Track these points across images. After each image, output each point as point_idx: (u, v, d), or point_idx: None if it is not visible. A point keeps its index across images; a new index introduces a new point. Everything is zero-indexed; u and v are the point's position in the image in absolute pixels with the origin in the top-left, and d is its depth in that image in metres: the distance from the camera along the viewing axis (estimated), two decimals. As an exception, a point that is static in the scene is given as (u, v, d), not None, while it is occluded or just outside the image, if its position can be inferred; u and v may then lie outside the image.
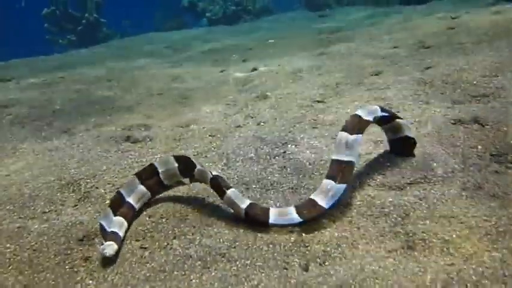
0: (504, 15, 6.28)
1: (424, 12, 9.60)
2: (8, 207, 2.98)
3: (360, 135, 2.49)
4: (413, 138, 2.83)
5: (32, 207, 2.95)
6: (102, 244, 2.33)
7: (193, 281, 2.10)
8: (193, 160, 2.64)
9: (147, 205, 2.74)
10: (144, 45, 12.59)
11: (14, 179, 3.35)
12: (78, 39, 17.56)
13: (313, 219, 2.37)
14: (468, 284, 1.82)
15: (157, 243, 2.40)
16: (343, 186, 2.40)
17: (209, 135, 3.80)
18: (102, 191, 3.04)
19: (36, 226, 2.71)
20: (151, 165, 2.76)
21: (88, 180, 3.19)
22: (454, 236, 2.11)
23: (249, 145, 3.37)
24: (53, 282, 2.22)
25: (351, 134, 2.46)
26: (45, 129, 4.60)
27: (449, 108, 3.42)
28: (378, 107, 2.61)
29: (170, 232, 2.47)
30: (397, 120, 2.76)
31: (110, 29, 18.91)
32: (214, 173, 2.56)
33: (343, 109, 3.80)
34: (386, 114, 2.65)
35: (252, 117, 4.12)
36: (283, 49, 7.78)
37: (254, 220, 2.43)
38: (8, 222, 2.80)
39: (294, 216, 2.37)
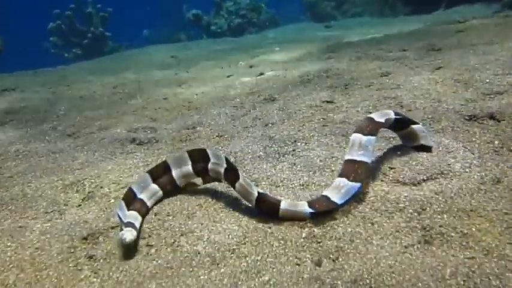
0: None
1: (431, 20, 9.60)
2: (10, 207, 2.90)
3: (373, 136, 2.48)
4: (430, 147, 2.76)
5: (35, 208, 2.87)
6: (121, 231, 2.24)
7: (202, 277, 2.00)
8: (208, 152, 2.61)
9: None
10: (147, 56, 12.61)
11: (16, 180, 3.28)
12: (83, 52, 17.63)
13: (324, 213, 2.29)
14: (491, 277, 1.73)
15: (163, 241, 2.31)
16: (358, 184, 2.35)
17: (216, 136, 3.72)
18: (107, 190, 2.96)
19: (38, 225, 2.62)
20: (164, 162, 2.71)
21: (92, 180, 3.11)
22: (473, 229, 2.01)
23: (258, 144, 3.29)
24: (56, 280, 2.13)
25: (364, 134, 2.45)
26: (49, 133, 4.53)
27: (463, 106, 3.33)
28: (392, 111, 2.61)
29: (177, 230, 2.37)
30: (413, 126, 2.71)
31: (116, 43, 19.02)
32: (227, 164, 2.52)
33: (353, 108, 3.71)
34: (400, 117, 2.63)
35: (260, 119, 4.04)
36: (290, 56, 7.73)
37: (265, 207, 2.36)
38: (10, 222, 2.72)
39: (305, 207, 2.29)
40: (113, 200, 2.82)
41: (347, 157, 2.45)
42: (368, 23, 13.21)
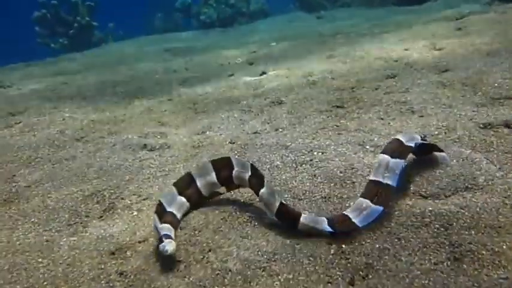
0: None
1: (423, 13, 9.64)
2: (32, 219, 2.93)
3: (402, 160, 2.48)
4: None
5: (57, 220, 2.90)
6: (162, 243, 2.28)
7: (235, 296, 2.06)
8: (232, 160, 2.67)
9: (178, 217, 2.70)
10: (141, 48, 12.54)
11: (35, 191, 3.30)
12: (70, 43, 17.38)
13: (343, 233, 2.32)
14: (528, 299, 1.77)
15: (192, 257, 2.36)
16: (380, 208, 2.35)
17: (229, 143, 3.76)
18: (128, 201, 3.00)
19: (64, 239, 2.66)
20: (188, 174, 2.78)
21: (112, 191, 3.15)
22: (504, 247, 2.04)
23: (274, 153, 3.34)
24: (91, 298, 2.19)
25: (392, 157, 2.46)
26: (58, 138, 4.52)
27: (475, 112, 3.40)
28: (419, 136, 2.64)
29: (205, 245, 2.42)
30: (435, 154, 2.76)
31: (103, 33, 18.80)
32: (252, 171, 2.58)
33: (364, 114, 3.77)
34: (426, 142, 2.66)
35: (269, 123, 4.09)
36: (289, 52, 7.76)
37: (285, 218, 2.41)
38: (34, 235, 2.76)
39: (324, 225, 2.33)
40: (135, 213, 2.87)
41: (372, 178, 2.46)
42: (360, 14, 13.19)
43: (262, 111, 4.43)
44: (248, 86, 5.60)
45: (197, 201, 2.77)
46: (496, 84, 3.84)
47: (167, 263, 2.33)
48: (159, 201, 2.65)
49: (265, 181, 2.50)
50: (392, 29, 8.00)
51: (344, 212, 2.40)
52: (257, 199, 2.69)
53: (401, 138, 2.57)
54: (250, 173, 2.60)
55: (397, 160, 2.46)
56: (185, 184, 2.75)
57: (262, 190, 2.49)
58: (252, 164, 2.61)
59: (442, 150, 2.79)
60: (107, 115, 5.16)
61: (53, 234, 2.75)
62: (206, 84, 6.16)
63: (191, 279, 2.21)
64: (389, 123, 3.48)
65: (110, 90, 6.63)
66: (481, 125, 3.16)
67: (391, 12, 12.22)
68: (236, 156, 3.16)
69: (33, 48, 17.95)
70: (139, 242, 2.55)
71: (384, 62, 5.44)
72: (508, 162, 2.72)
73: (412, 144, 2.54)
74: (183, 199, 2.71)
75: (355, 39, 7.72)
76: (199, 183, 2.76)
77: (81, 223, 2.86)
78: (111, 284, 2.26)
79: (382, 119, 3.59)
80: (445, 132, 3.16)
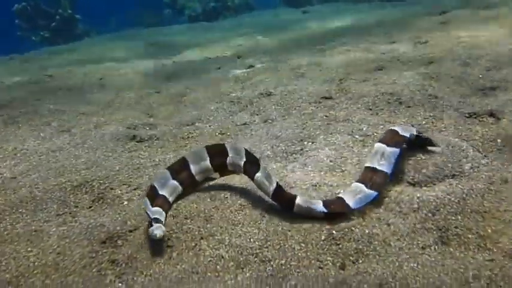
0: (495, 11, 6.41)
1: (407, 7, 9.73)
2: (20, 210, 2.89)
3: (398, 149, 2.55)
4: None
5: (46, 210, 2.87)
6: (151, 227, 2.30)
7: (229, 282, 2.06)
8: (226, 147, 2.70)
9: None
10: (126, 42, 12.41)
11: (22, 181, 3.26)
12: (52, 35, 17.14)
13: (337, 214, 2.36)
14: (515, 280, 1.80)
15: (184, 244, 2.36)
16: (374, 193, 2.42)
17: (219, 133, 3.76)
18: (119, 192, 2.98)
19: (54, 229, 2.64)
20: (183, 158, 2.79)
21: (101, 181, 3.12)
22: (489, 231, 2.10)
23: (264, 143, 3.34)
24: (82, 286, 2.17)
25: (388, 146, 2.54)
26: (44, 129, 4.47)
27: (461, 102, 3.45)
28: (415, 128, 2.71)
29: (197, 233, 2.42)
30: (429, 148, 2.80)
31: (87, 25, 18.60)
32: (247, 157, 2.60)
33: (353, 104, 3.80)
34: (421, 135, 2.73)
35: (258, 115, 4.09)
36: (276, 45, 7.76)
37: (281, 200, 2.46)
38: (23, 225, 2.73)
39: (320, 206, 2.37)
40: (126, 202, 2.85)
41: (367, 164, 2.52)
42: (345, 9, 13.26)
43: (252, 103, 4.42)
44: (236, 78, 5.59)
45: (190, 186, 2.78)
46: (480, 76, 3.91)
47: (159, 250, 2.32)
48: (151, 184, 2.66)
49: (261, 165, 2.53)
50: (379, 24, 8.07)
51: (339, 195, 2.46)
52: (249, 187, 2.70)
53: (397, 129, 2.63)
54: (245, 159, 2.62)
55: (394, 149, 2.53)
56: (179, 168, 2.75)
57: (257, 174, 2.51)
58: (246, 150, 2.63)
59: (435, 145, 2.82)
60: (94, 107, 5.10)
61: (41, 224, 2.72)
62: (194, 78, 6.12)
63: (183, 266, 2.21)
64: (377, 113, 3.52)
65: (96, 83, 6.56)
66: (467, 115, 3.22)
67: (377, 7, 12.30)
68: (232, 142, 3.17)
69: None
70: (131, 231, 2.54)
71: (371, 55, 5.47)
72: (493, 150, 2.78)
73: (407, 135, 2.61)
74: (176, 183, 2.71)
75: (343, 34, 7.74)
76: (193, 168, 2.76)
77: (70, 213, 2.83)
78: (102, 272, 2.25)
79: (370, 109, 3.62)
80: (432, 122, 3.20)
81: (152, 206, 2.51)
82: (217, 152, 2.74)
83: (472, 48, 4.82)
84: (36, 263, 2.32)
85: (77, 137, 4.15)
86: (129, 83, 6.33)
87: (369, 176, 2.47)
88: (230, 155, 2.68)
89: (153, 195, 2.60)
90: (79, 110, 5.01)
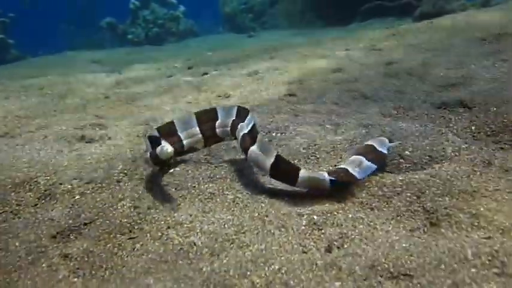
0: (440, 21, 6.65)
1: (350, 31, 9.99)
2: (-50, 209, 2.50)
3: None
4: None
5: (-18, 209, 2.50)
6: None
7: (204, 269, 1.83)
8: (217, 111, 2.73)
9: (130, 196, 2.42)
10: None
11: (-46, 181, 2.85)
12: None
13: (344, 184, 2.26)
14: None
15: (148, 235, 2.11)
16: (375, 166, 2.32)
17: (178, 131, 3.50)
18: (69, 186, 2.65)
19: (-8, 227, 2.28)
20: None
21: (48, 177, 2.78)
22: (481, 209, 1.99)
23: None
24: (30, 282, 1.87)
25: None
26: (-25, 135, 4.01)
27: (428, 96, 3.43)
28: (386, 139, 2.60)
29: (163, 222, 2.18)
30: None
31: (20, 50, 17.84)
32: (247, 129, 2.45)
33: (318, 98, 3.68)
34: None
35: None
36: (227, 58, 7.63)
37: (282, 174, 2.28)
38: (-46, 225, 2.34)
39: (326, 176, 2.22)
40: (78, 196, 2.54)
41: (368, 143, 2.51)
42: (291, 33, 13.49)
43: (210, 104, 4.22)
44: (190, 84, 5.36)
45: (178, 151, 2.71)
46: (441, 74, 3.93)
47: (120, 243, 2.06)
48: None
49: (259, 136, 2.39)
50: (327, 40, 8.16)
51: (340, 166, 2.34)
52: (217, 175, 2.48)
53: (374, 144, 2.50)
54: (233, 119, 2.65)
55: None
56: (168, 131, 2.71)
57: (252, 147, 2.35)
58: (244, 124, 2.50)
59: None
60: (36, 112, 4.69)
61: (-23, 223, 2.35)
62: (143, 84, 5.84)
63: (150, 256, 1.96)
64: (344, 106, 3.42)
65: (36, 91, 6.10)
66: (437, 105, 3.18)
67: (322, 31, 12.60)
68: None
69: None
70: (85, 224, 2.25)
71: (328, 59, 5.44)
72: (468, 137, 2.74)
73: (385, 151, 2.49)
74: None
75: (293, 46, 7.76)
76: (181, 134, 2.73)
77: (11, 212, 2.47)
78: (54, 268, 1.95)
79: (336, 103, 3.52)
80: (403, 112, 3.14)
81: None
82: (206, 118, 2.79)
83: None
84: (-28, 261, 1.97)
85: (16, 139, 3.75)
86: (73, 91, 5.93)
87: (368, 151, 2.39)
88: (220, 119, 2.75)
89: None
90: (16, 114, 4.58)
